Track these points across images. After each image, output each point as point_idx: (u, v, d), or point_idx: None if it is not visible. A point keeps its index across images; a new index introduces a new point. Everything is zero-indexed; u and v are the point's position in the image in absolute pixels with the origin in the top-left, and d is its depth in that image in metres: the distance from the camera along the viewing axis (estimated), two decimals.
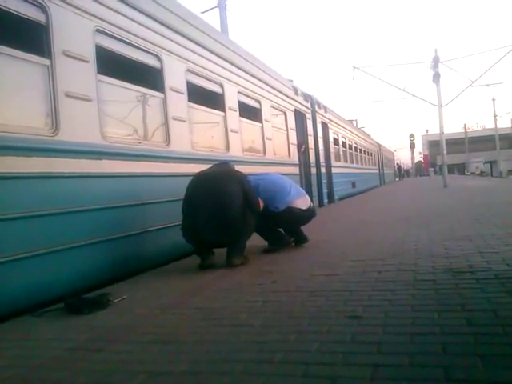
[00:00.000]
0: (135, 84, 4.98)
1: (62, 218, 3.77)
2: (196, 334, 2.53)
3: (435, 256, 4.12)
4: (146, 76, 5.27)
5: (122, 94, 4.91)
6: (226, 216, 4.39)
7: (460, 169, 61.28)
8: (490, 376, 1.70)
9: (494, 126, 47.94)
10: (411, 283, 3.23)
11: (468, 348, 1.99)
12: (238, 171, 4.86)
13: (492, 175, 42.06)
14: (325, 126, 13.94)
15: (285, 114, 10.10)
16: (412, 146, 59.22)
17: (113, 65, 4.66)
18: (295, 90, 11.17)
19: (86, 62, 4.18)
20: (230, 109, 7.12)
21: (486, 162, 58.51)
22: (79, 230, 3.93)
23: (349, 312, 2.67)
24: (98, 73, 4.33)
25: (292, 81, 11.49)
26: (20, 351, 2.51)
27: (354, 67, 20.51)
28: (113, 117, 4.82)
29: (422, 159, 74.54)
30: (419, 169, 69.61)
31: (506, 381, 1.66)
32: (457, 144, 61.20)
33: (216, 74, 6.71)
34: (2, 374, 2.17)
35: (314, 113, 12.63)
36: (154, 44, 5.19)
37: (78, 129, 4.02)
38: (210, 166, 4.90)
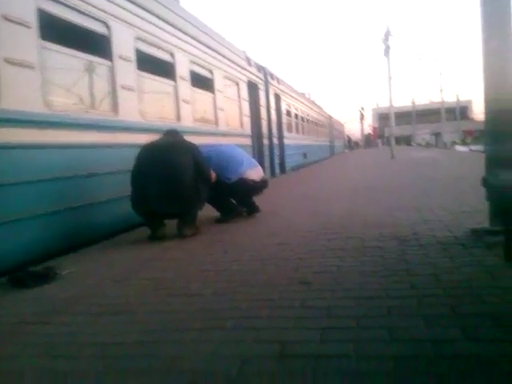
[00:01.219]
0: (82, 51, 4.76)
1: (2, 190, 3.59)
2: (147, 305, 2.52)
3: (382, 225, 4.26)
4: (93, 43, 5.03)
5: (67, 61, 4.68)
6: (178, 186, 4.36)
7: (407, 140, 63.07)
8: (432, 335, 1.79)
9: (440, 100, 49.45)
10: (359, 250, 3.33)
11: (411, 310, 2.08)
12: (190, 142, 4.78)
13: (437, 146, 43.55)
14: (277, 97, 13.93)
15: (237, 84, 9.99)
16: (362, 118, 60.32)
17: (58, 31, 4.41)
18: (248, 61, 11.04)
19: (28, 27, 3.93)
20: (181, 78, 6.95)
21: (431, 134, 60.47)
22: (22, 203, 3.76)
23: (299, 279, 2.73)
24: (42, 39, 4.10)
25: (245, 52, 11.34)
26: None
27: (308, 38, 20.46)
28: (58, 85, 4.60)
29: (371, 131, 76.13)
30: (368, 141, 71.08)
31: (445, 339, 1.74)
32: (405, 116, 62.90)
33: (167, 42, 6.50)
34: None
35: (266, 84, 12.57)
36: (101, 10, 4.94)
37: (19, 97, 3.81)
38: (160, 136, 4.79)
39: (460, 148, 37.78)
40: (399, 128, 52.27)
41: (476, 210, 4.48)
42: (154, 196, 4.31)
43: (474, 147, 33.33)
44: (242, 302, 2.40)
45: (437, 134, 50.62)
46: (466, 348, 1.66)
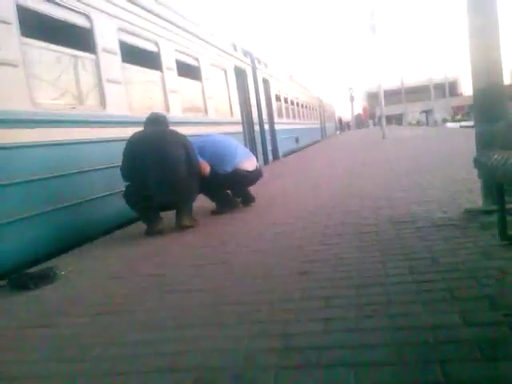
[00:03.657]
0: (65, 46, 4.70)
1: None
2: (148, 302, 2.53)
3: (378, 207, 4.28)
4: (76, 37, 4.96)
5: (51, 57, 4.62)
6: (176, 176, 4.40)
7: (398, 119, 63.12)
8: (432, 321, 1.81)
9: (429, 77, 49.44)
10: (356, 236, 3.35)
11: (411, 296, 2.10)
12: (179, 133, 4.75)
13: (428, 124, 43.63)
14: (266, 82, 13.84)
15: (225, 71, 9.90)
16: (351, 98, 60.08)
17: (39, 27, 4.35)
18: (234, 47, 10.93)
19: (8, 23, 3.86)
20: (168, 68, 6.89)
21: (422, 112, 60.55)
22: (13, 204, 3.73)
23: (298, 268, 2.74)
24: (23, 35, 4.03)
25: (231, 37, 11.23)
26: None
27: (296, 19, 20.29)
28: (43, 82, 4.55)
29: (361, 111, 76.04)
30: (359, 121, 71.03)
31: (445, 324, 1.77)
32: (395, 95, 62.79)
33: (151, 32, 6.43)
34: None
35: (254, 69, 12.47)
36: (82, 3, 4.86)
37: (4, 96, 3.76)
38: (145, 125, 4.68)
39: (451, 125, 37.89)
40: (390, 107, 52.20)
41: (469, 189, 4.52)
42: (154, 187, 4.30)
43: (464, 123, 33.46)
44: (243, 296, 2.41)
45: (427, 112, 50.70)
46: (466, 333, 1.68)
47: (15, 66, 3.89)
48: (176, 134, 4.70)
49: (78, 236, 4.46)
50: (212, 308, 2.31)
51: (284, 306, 2.20)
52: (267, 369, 1.63)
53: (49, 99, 4.53)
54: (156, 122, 4.66)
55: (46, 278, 3.16)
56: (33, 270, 3.37)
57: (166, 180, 4.34)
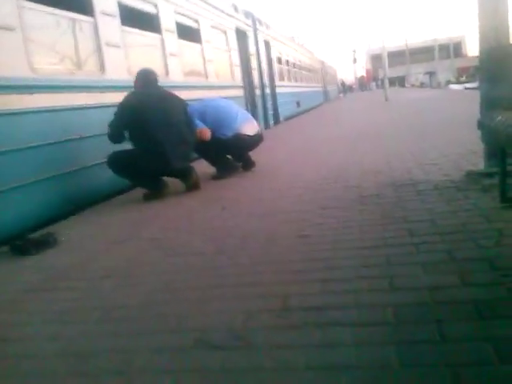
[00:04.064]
0: (62, 9, 4.58)
1: None
2: (149, 265, 2.55)
3: (378, 171, 4.27)
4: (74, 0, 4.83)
5: (48, 21, 4.50)
6: (186, 141, 4.51)
7: (401, 81, 62.18)
8: (431, 282, 1.83)
9: (433, 38, 48.40)
10: (357, 199, 3.35)
11: (410, 258, 2.11)
12: (179, 97, 4.70)
13: (431, 86, 42.99)
14: (267, 44, 13.58)
15: (225, 33, 9.70)
16: (354, 60, 59.11)
17: None
18: (235, 8, 10.66)
19: None
20: (167, 30, 6.75)
21: (425, 74, 59.56)
22: (13, 171, 3.72)
23: (299, 232, 2.75)
24: None
25: None
26: None
27: None
28: (41, 46, 4.45)
29: (364, 74, 74.84)
30: (362, 84, 70.00)
31: (444, 285, 1.78)
32: (398, 56, 61.64)
33: None
34: None
35: (255, 31, 12.21)
36: None
37: (2, 62, 3.69)
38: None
39: (455, 87, 37.32)
40: (393, 69, 51.35)
41: (471, 152, 4.48)
42: (170, 152, 4.32)
43: (468, 85, 32.94)
44: (243, 259, 2.43)
45: (431, 74, 49.88)
46: (463, 293, 1.70)
47: (12, 30, 3.81)
48: (177, 98, 4.65)
49: (79, 201, 4.47)
50: (213, 270, 2.33)
51: (283, 268, 2.22)
52: (265, 329, 1.66)
53: (47, 64, 4.45)
54: (149, 82, 4.54)
55: (47, 243, 3.18)
56: (33, 235, 3.39)
57: (179, 145, 4.40)
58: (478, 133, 3.43)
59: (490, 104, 3.41)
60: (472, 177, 3.48)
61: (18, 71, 3.85)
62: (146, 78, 4.55)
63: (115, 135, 4.34)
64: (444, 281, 1.82)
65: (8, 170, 3.65)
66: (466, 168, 3.78)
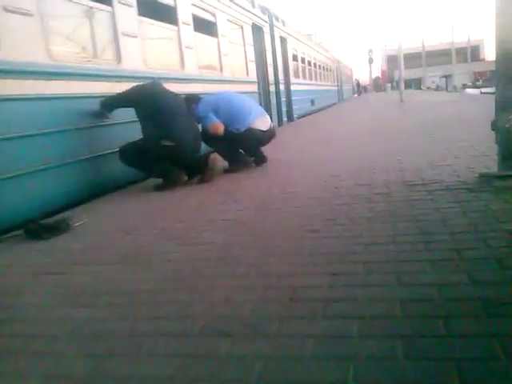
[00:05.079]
0: None
1: (10, 144, 3.58)
2: (160, 254, 2.58)
3: (390, 170, 4.26)
4: None
5: (66, 8, 4.54)
6: (199, 138, 4.85)
7: (416, 83, 61.71)
8: (439, 279, 1.83)
9: (450, 40, 47.94)
10: (367, 197, 3.35)
11: (418, 255, 2.11)
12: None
13: (447, 90, 42.61)
14: (283, 40, 13.55)
15: (242, 28, 9.69)
16: (370, 61, 58.69)
17: None
18: (252, 2, 10.65)
19: None
20: (184, 23, 6.76)
21: (441, 77, 59.03)
22: (29, 157, 3.76)
23: (308, 226, 2.76)
24: None
25: None
26: None
27: None
28: (59, 34, 4.49)
29: (379, 75, 74.38)
30: (377, 84, 69.56)
31: (452, 282, 1.78)
32: (414, 58, 61.21)
33: None
34: None
35: (272, 27, 12.19)
36: None
37: (20, 47, 3.74)
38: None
39: (470, 91, 36.96)
40: (409, 71, 50.97)
41: (484, 154, 4.46)
42: (190, 142, 4.56)
43: (484, 89, 32.60)
44: (252, 250, 2.45)
45: (447, 77, 49.42)
46: (472, 291, 1.70)
47: (31, 15, 3.85)
48: (183, 99, 4.98)
49: (96, 188, 4.53)
50: (222, 261, 2.35)
51: (293, 261, 2.23)
52: (273, 318, 1.67)
53: (64, 52, 4.49)
54: (159, 84, 4.80)
55: (59, 228, 3.22)
56: (47, 220, 3.43)
57: (195, 139, 4.70)
58: (491, 137, 3.41)
59: (504, 106, 3.39)
60: (484, 179, 3.46)
61: (36, 57, 3.88)
62: (155, 81, 4.80)
63: (108, 105, 4.55)
64: (452, 278, 1.82)
65: (21, 156, 3.69)
66: (478, 170, 3.75)
